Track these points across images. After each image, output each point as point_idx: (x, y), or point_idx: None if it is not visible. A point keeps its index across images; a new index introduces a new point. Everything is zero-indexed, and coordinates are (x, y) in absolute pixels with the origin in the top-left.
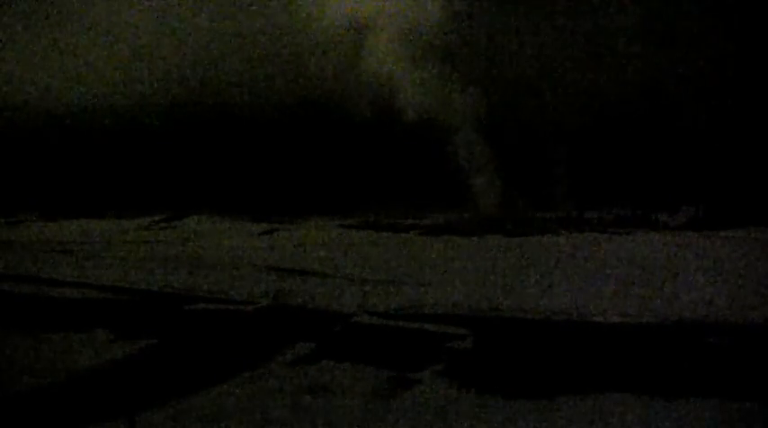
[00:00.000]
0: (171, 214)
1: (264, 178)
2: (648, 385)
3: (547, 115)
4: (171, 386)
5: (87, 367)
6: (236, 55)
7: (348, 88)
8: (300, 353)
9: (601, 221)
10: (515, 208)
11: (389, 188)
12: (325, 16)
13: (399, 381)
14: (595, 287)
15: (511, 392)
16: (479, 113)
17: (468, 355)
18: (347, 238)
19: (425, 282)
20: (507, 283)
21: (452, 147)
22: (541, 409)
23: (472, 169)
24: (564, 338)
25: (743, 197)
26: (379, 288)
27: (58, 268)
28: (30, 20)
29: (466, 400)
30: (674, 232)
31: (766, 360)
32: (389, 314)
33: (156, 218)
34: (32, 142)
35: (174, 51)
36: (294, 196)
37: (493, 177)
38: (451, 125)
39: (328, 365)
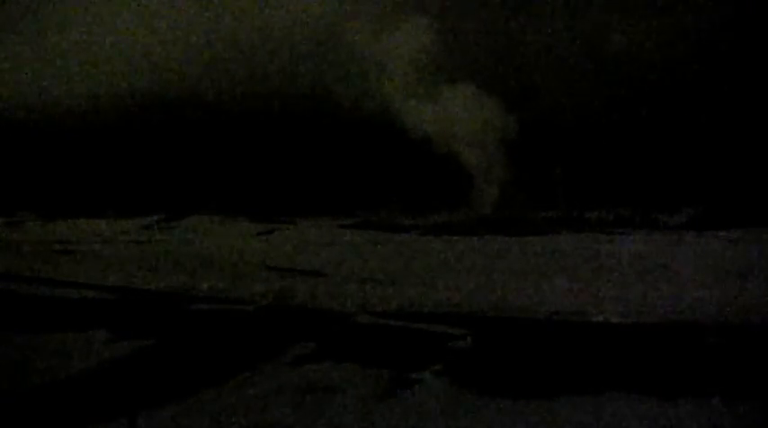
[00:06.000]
0: (171, 214)
1: (264, 178)
2: (648, 385)
3: (547, 115)
4: (171, 386)
5: (87, 367)
6: (236, 56)
7: (347, 89)
8: (300, 353)
9: (601, 221)
10: (515, 208)
11: (389, 188)
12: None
13: (399, 381)
14: (595, 287)
15: (511, 392)
16: (479, 113)
17: (468, 355)
18: (347, 238)
19: (425, 282)
20: (507, 283)
21: (453, 147)
22: (541, 409)
23: (472, 169)
24: (564, 338)
25: (743, 197)
26: (379, 288)
27: (58, 268)
28: (29, 20)
29: (466, 400)
30: (674, 232)
31: (766, 360)
32: (389, 314)
33: (156, 218)
34: (32, 142)
35: (174, 52)
36: (294, 196)
37: (493, 177)
38: (451, 125)
39: (328, 365)
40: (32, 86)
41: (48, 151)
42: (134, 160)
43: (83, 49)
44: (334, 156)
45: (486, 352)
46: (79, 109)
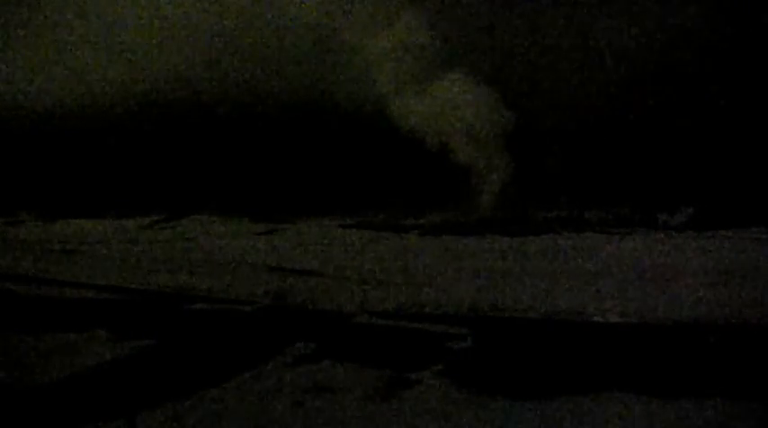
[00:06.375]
0: (171, 214)
1: (264, 178)
2: (648, 385)
3: (547, 114)
4: (171, 386)
5: (87, 367)
6: (235, 54)
7: (346, 88)
8: (300, 353)
9: (601, 221)
10: (515, 208)
11: (389, 188)
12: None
13: (399, 381)
14: (595, 287)
15: (511, 392)
16: (479, 112)
17: (468, 355)
18: (347, 238)
19: (425, 282)
20: (507, 283)
21: (452, 146)
22: (541, 409)
23: (472, 168)
24: (564, 338)
25: (743, 197)
26: (379, 288)
27: (58, 268)
28: (30, 20)
29: (466, 400)
30: (674, 232)
31: (766, 360)
32: (389, 314)
33: (156, 218)
34: (32, 142)
35: (174, 51)
36: (294, 196)
37: (493, 177)
38: (452, 124)
39: (328, 365)
40: (32, 86)
41: (47, 151)
42: (134, 160)
43: (82, 48)
44: (333, 156)
45: (486, 352)
46: (79, 108)
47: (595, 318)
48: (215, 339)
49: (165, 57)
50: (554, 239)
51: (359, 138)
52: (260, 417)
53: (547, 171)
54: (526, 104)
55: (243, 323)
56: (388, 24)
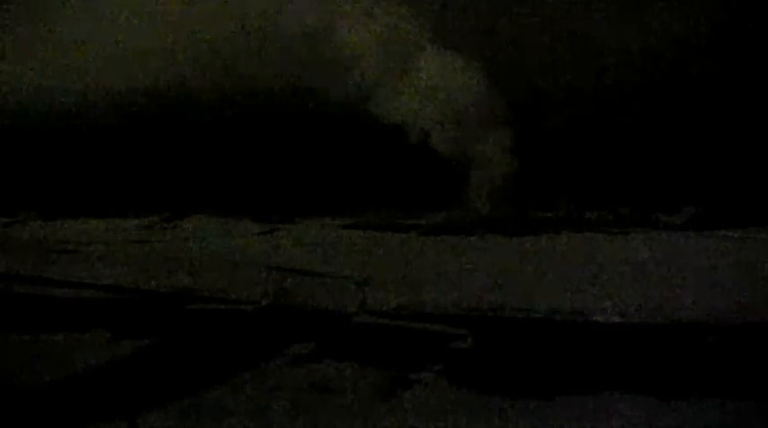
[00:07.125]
0: (171, 214)
1: (264, 177)
2: (648, 385)
3: (545, 113)
4: (171, 386)
5: (87, 367)
6: (235, 53)
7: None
8: (300, 353)
9: (601, 221)
10: (515, 208)
11: (389, 188)
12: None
13: (399, 381)
14: (595, 287)
15: (511, 392)
16: (479, 111)
17: (468, 355)
18: (347, 238)
19: (425, 282)
20: (507, 283)
21: (451, 145)
22: (541, 409)
23: (471, 167)
24: (564, 338)
25: (743, 197)
26: (379, 288)
27: (58, 268)
28: (29, 19)
29: (466, 400)
30: (674, 232)
31: (766, 360)
32: (389, 314)
33: (156, 218)
34: (32, 142)
35: (173, 50)
36: (294, 196)
37: (492, 176)
38: (452, 124)
39: (328, 365)
40: (32, 85)
41: (48, 150)
42: (134, 160)
43: (82, 47)
44: (333, 156)
45: (486, 352)
46: (79, 108)
47: (595, 318)
48: (215, 339)
49: (164, 56)
50: (554, 239)
51: (358, 138)
52: (260, 417)
53: (546, 170)
54: (526, 105)
55: (243, 323)
56: (382, 15)
